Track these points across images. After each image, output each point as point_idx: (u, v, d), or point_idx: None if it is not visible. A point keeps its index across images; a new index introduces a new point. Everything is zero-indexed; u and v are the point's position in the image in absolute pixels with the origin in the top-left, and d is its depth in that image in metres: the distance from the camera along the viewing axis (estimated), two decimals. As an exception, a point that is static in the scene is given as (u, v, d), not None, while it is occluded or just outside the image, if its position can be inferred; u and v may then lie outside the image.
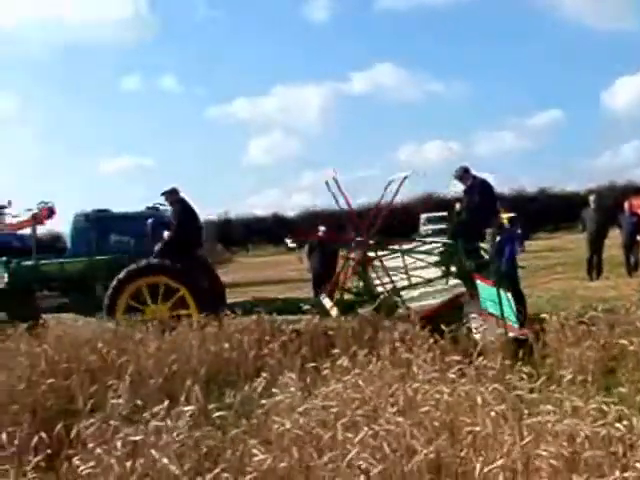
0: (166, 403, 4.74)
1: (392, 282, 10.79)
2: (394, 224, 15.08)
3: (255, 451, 4.05)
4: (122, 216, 12.87)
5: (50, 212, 20.24)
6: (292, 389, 5.16)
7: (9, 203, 25.15)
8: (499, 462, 3.67)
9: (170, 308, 10.87)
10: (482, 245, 11.31)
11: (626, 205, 17.80)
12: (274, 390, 5.31)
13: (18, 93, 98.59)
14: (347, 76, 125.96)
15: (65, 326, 9.93)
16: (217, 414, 4.90)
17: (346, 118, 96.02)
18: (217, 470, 3.84)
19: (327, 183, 11.35)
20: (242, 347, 7.93)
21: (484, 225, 11.46)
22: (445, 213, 35.53)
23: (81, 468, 4.06)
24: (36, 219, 16.52)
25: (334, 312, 10.03)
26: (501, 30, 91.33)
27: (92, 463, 4.06)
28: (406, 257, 11.35)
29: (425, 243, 12.81)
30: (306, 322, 9.08)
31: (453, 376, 5.16)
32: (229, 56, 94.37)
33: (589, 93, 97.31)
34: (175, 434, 4.29)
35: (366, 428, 4.11)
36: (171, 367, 7.08)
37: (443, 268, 10.76)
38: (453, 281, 10.56)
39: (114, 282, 10.91)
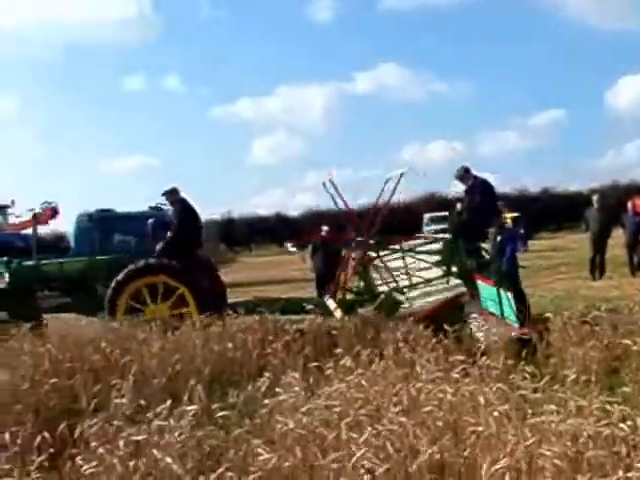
0: (169, 403, 4.74)
1: (396, 281, 10.80)
2: (394, 223, 15.04)
3: (260, 450, 4.05)
4: (125, 216, 12.87)
5: (53, 212, 20.27)
6: (296, 389, 5.15)
7: (12, 203, 25.14)
8: (503, 462, 3.67)
9: (170, 308, 10.89)
10: (483, 245, 11.31)
11: (629, 205, 17.76)
12: (277, 390, 5.31)
13: (20, 93, 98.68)
14: (351, 76, 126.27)
15: (68, 326, 9.95)
16: (220, 414, 4.89)
17: (350, 118, 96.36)
18: (221, 469, 3.83)
19: (324, 184, 11.41)
20: (246, 347, 7.93)
21: (485, 225, 11.46)
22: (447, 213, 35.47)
23: (84, 468, 4.07)
24: (37, 219, 16.51)
25: (338, 314, 10.03)
26: (504, 30, 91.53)
27: (95, 463, 4.06)
28: (407, 257, 11.36)
29: (426, 239, 12.81)
30: (309, 322, 9.08)
31: (457, 376, 5.15)
32: (233, 56, 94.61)
33: (592, 93, 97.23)
34: (177, 434, 4.29)
35: (369, 428, 4.11)
36: (175, 367, 7.08)
37: (444, 268, 10.77)
38: (454, 281, 10.56)
39: (114, 282, 10.92)
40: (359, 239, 11.24)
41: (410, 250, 11.55)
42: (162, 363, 7.19)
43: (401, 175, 10.55)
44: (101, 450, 4.17)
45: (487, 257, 10.82)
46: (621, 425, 3.94)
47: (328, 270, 13.74)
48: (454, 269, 10.60)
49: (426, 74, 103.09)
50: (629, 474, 3.54)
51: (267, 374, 5.95)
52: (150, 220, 11.91)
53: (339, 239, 14.42)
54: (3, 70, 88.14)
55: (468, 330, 8.38)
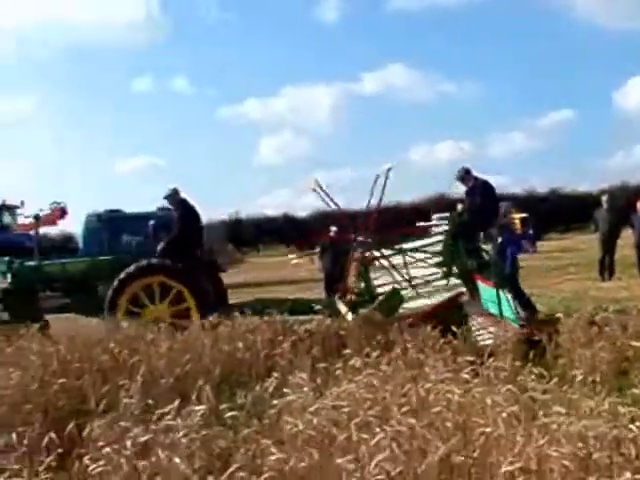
0: (177, 402, 4.74)
1: (396, 282, 10.78)
2: (403, 224, 15.08)
3: (273, 449, 4.04)
4: (134, 216, 12.90)
5: (62, 212, 20.34)
6: (305, 389, 5.15)
7: (22, 204, 25.27)
8: (512, 464, 3.66)
9: (171, 308, 10.93)
10: (484, 246, 11.33)
11: (638, 205, 17.68)
12: (285, 390, 5.30)
13: (32, 95, 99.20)
14: (358, 76, 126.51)
15: (71, 326, 9.97)
16: (229, 414, 4.89)
17: (357, 118, 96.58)
18: (232, 469, 3.83)
19: (314, 190, 11.40)
20: (254, 347, 7.94)
21: (485, 226, 11.49)
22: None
23: (91, 467, 4.07)
24: (38, 220, 16.54)
25: (349, 316, 9.99)
26: (512, 30, 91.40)
27: (102, 462, 4.07)
28: (407, 257, 11.35)
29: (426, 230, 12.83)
30: (318, 322, 9.07)
31: (467, 376, 5.13)
32: (240, 57, 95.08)
33: (601, 93, 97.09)
34: (182, 433, 4.29)
35: (378, 429, 4.10)
36: (184, 367, 7.08)
37: (444, 269, 10.77)
38: (454, 281, 10.55)
39: (115, 283, 10.96)
40: (359, 239, 11.26)
41: (410, 250, 11.53)
42: (170, 363, 7.19)
43: (389, 170, 10.59)
44: (108, 450, 4.18)
45: (487, 258, 10.84)
46: (630, 426, 3.92)
47: (336, 271, 13.75)
48: (454, 269, 10.60)
49: (434, 74, 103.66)
50: (637, 476, 3.53)
51: (275, 374, 5.94)
52: (151, 222, 11.96)
53: (347, 239, 14.45)
54: (15, 72, 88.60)
55: (469, 330, 8.37)
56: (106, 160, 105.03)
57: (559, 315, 8.33)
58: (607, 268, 16.77)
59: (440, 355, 6.41)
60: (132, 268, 11.00)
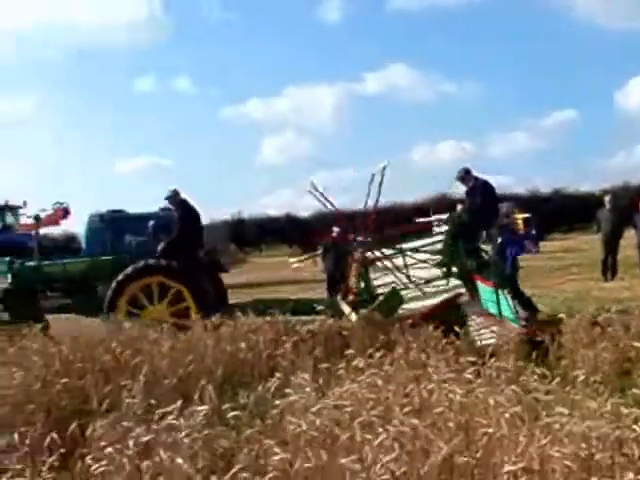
0: (179, 403, 4.75)
1: (395, 282, 10.77)
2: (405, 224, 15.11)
3: (276, 450, 4.04)
4: (137, 217, 12.90)
5: (65, 212, 20.31)
6: (307, 389, 5.15)
7: (24, 204, 25.30)
8: (515, 464, 3.66)
9: (170, 308, 10.93)
10: (483, 247, 11.33)
11: (641, 205, 17.67)
12: (287, 390, 5.30)
13: (34, 95, 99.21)
14: (360, 76, 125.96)
15: (79, 326, 9.97)
16: (231, 414, 4.89)
17: (359, 118, 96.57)
18: (235, 469, 3.83)
19: (310, 192, 11.40)
20: (257, 347, 7.94)
21: (485, 226, 11.49)
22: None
23: (94, 467, 4.07)
24: (38, 221, 16.55)
25: (353, 317, 9.99)
26: (513, 30, 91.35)
27: (105, 462, 4.07)
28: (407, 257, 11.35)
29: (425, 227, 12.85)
30: (320, 323, 9.07)
31: (469, 377, 5.13)
32: (243, 57, 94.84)
33: (602, 93, 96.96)
34: (184, 433, 4.29)
35: (380, 429, 4.10)
36: (186, 368, 7.09)
37: (444, 269, 10.77)
38: (454, 281, 10.55)
39: (113, 283, 10.95)
40: (360, 239, 11.26)
41: (410, 250, 11.53)
42: (173, 363, 7.20)
43: (384, 168, 10.60)
44: (110, 450, 4.18)
45: (487, 258, 10.84)
46: (633, 427, 3.92)
47: (339, 271, 13.74)
48: (454, 270, 10.60)
49: (435, 74, 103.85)
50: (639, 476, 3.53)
51: (278, 374, 5.94)
52: (150, 222, 11.97)
53: (350, 240, 14.45)
54: (18, 72, 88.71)
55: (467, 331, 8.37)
56: (107, 160, 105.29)
57: (561, 315, 8.33)
58: (610, 268, 16.74)
59: (442, 355, 6.42)
60: (129, 270, 10.99)
